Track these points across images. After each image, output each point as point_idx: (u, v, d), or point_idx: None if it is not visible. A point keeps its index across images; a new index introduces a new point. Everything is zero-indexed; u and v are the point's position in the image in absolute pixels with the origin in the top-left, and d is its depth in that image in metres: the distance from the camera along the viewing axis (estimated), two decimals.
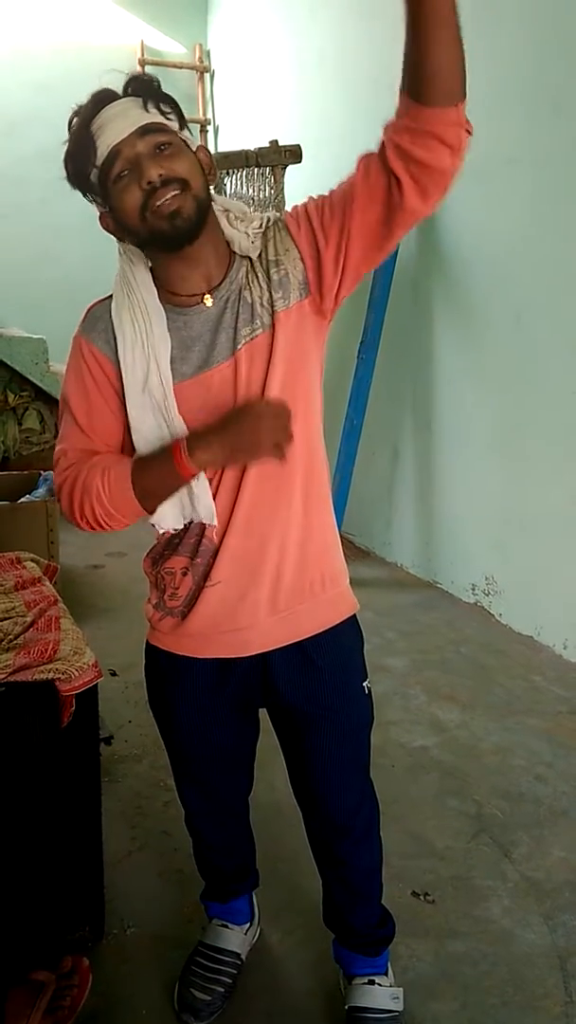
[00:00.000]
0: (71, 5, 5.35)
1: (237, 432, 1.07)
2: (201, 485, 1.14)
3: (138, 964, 1.54)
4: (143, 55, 5.49)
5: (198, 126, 5.66)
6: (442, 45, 0.93)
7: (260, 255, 1.14)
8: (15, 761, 1.37)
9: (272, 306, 1.12)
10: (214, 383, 1.13)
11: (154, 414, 1.14)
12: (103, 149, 1.05)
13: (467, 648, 2.95)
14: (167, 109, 1.08)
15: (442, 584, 3.56)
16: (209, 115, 5.77)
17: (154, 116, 1.06)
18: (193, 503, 1.16)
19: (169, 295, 1.16)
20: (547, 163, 2.78)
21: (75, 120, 1.07)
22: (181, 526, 1.19)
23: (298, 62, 4.51)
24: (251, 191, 3.73)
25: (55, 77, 5.22)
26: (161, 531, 1.22)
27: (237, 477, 1.15)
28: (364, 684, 1.30)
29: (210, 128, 5.75)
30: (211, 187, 1.13)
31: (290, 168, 3.75)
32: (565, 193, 2.72)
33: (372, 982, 1.39)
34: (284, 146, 3.69)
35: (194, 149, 1.11)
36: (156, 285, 1.16)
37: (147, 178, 1.04)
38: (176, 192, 1.05)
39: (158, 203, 1.04)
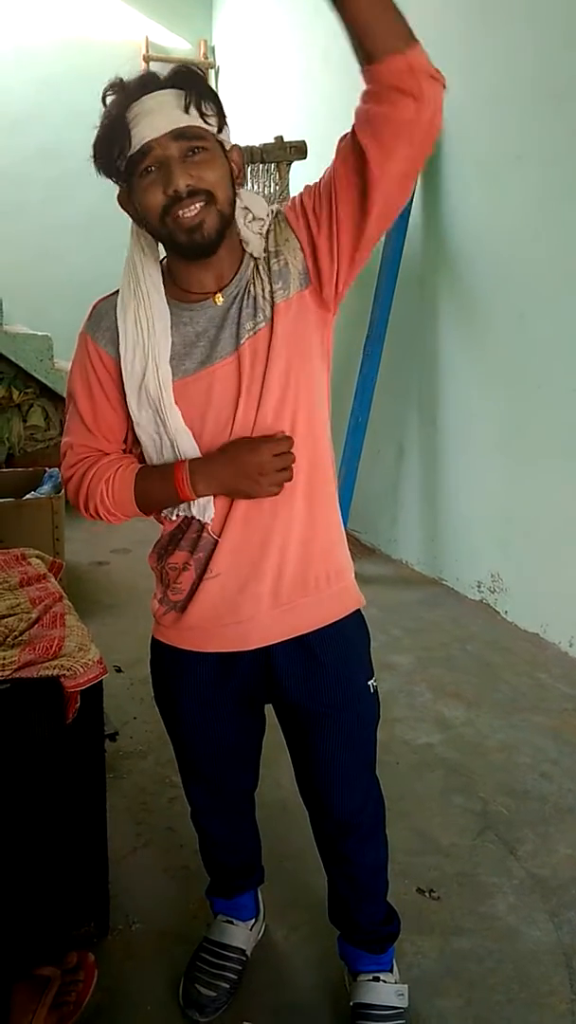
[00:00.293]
0: (75, 1, 5.34)
1: (241, 470, 1.11)
2: (202, 499, 1.17)
3: (143, 960, 1.54)
4: (148, 51, 5.48)
5: None
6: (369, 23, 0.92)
7: (266, 258, 1.13)
8: (20, 757, 1.37)
9: (272, 298, 1.12)
10: (217, 378, 1.13)
11: (151, 410, 1.16)
12: (136, 141, 1.03)
13: (472, 645, 2.94)
14: (209, 111, 1.05)
15: (447, 581, 3.55)
16: None
17: (193, 119, 1.04)
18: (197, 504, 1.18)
19: (179, 291, 1.16)
20: (553, 160, 2.77)
21: (113, 99, 1.04)
22: (175, 517, 1.21)
23: (303, 58, 4.50)
24: (256, 187, 3.73)
25: (58, 74, 5.21)
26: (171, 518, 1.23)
27: None
28: (370, 682, 1.29)
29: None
30: (239, 188, 1.12)
31: (295, 164, 3.74)
32: (571, 190, 2.70)
33: (377, 979, 1.39)
34: (289, 142, 3.69)
35: (228, 148, 1.10)
36: (166, 278, 1.16)
37: (174, 186, 1.03)
38: (201, 204, 1.04)
39: (180, 212, 1.04)
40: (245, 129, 5.25)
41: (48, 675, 1.34)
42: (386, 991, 1.38)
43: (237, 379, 1.13)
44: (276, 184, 3.71)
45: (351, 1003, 1.39)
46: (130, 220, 1.16)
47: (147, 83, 1.04)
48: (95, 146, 1.07)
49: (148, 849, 1.84)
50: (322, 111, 4.27)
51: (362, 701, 1.29)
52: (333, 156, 1.06)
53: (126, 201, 1.12)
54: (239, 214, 1.14)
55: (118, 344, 1.16)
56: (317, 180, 1.11)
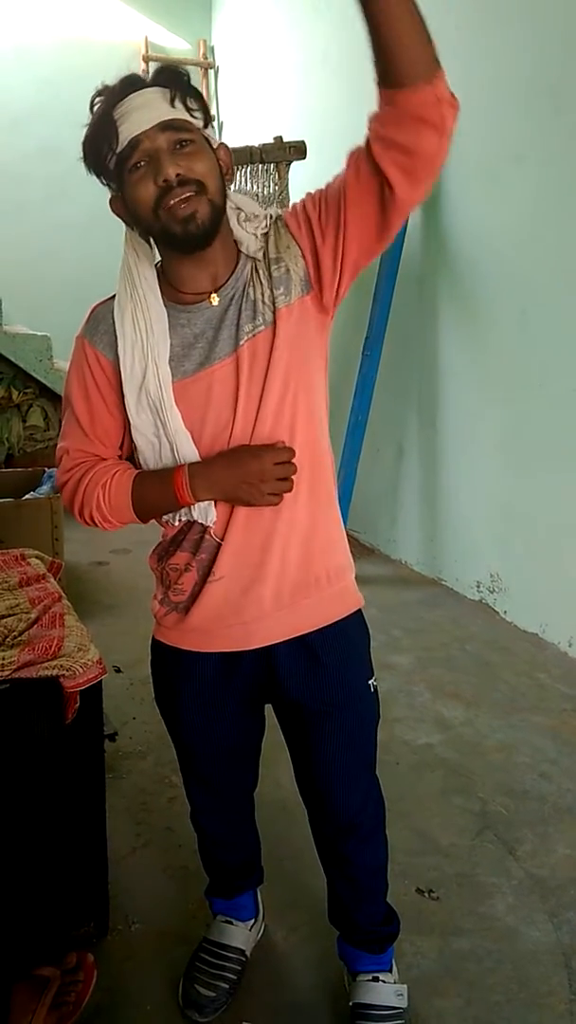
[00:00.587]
0: (75, 1, 5.34)
1: (241, 477, 1.11)
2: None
3: (143, 960, 1.54)
4: (147, 51, 5.48)
5: None
6: (397, 20, 0.89)
7: (263, 253, 1.14)
8: (20, 757, 1.37)
9: (274, 303, 1.12)
10: (216, 379, 1.13)
11: (150, 413, 1.15)
12: (124, 137, 1.05)
13: (472, 645, 2.94)
14: (193, 106, 1.07)
15: (447, 581, 3.55)
16: (213, 111, 5.76)
17: (179, 112, 1.06)
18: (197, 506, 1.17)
19: (174, 292, 1.16)
20: (552, 160, 2.77)
21: (99, 101, 1.06)
22: (177, 521, 1.21)
23: (303, 58, 4.50)
24: (255, 187, 3.73)
25: (58, 73, 5.21)
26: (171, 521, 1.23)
27: None
28: (370, 682, 1.30)
29: (214, 124, 5.74)
30: (228, 187, 1.13)
31: (295, 164, 3.74)
32: (570, 190, 2.70)
33: (376, 979, 1.39)
34: (288, 142, 3.69)
35: (215, 146, 1.11)
36: (161, 280, 1.17)
37: (164, 175, 1.03)
38: (191, 194, 1.04)
39: (172, 202, 1.04)
40: (244, 129, 5.26)
41: (47, 675, 1.34)
42: (385, 991, 1.38)
43: (235, 380, 1.13)
44: (275, 184, 3.71)
45: (350, 1003, 1.39)
46: (124, 231, 1.16)
47: (132, 83, 1.06)
48: (84, 146, 1.08)
49: (148, 849, 1.84)
50: (321, 111, 4.27)
51: (363, 700, 1.29)
52: (344, 169, 1.06)
53: (119, 207, 1.13)
54: (231, 214, 1.15)
55: (116, 348, 1.16)
56: (321, 189, 1.11)
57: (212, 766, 1.38)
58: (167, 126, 1.04)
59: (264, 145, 3.69)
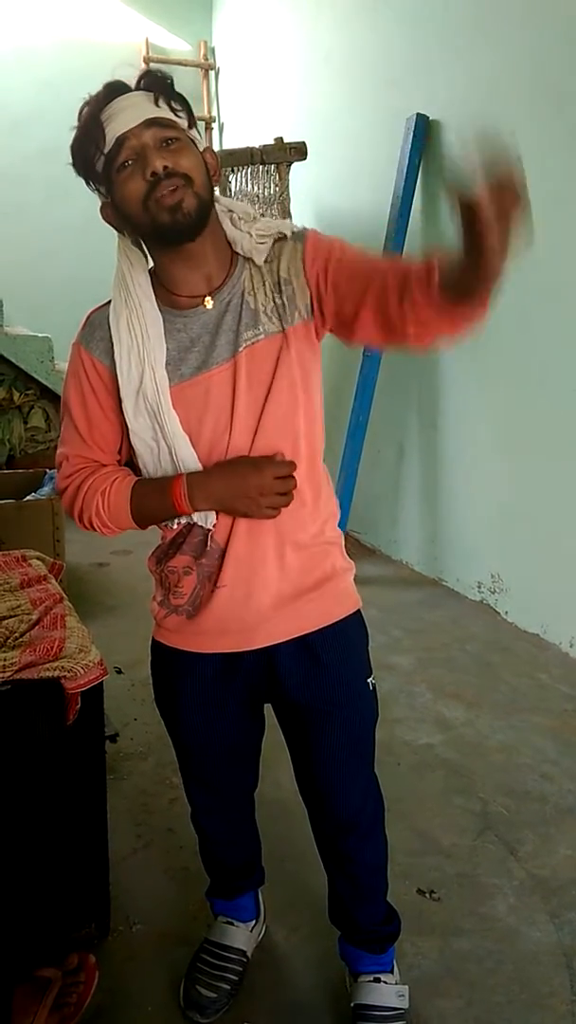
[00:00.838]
0: (75, 2, 5.34)
1: (240, 490, 1.12)
2: None
3: (144, 961, 1.54)
4: (148, 52, 5.49)
5: (203, 123, 5.66)
6: (498, 256, 0.90)
7: (270, 265, 1.14)
8: (21, 759, 1.38)
9: (280, 318, 1.13)
10: (213, 384, 1.14)
11: (148, 417, 1.16)
12: (111, 137, 1.06)
13: (473, 646, 2.94)
14: (177, 107, 1.09)
15: (448, 582, 3.55)
16: (214, 112, 5.76)
17: (163, 111, 1.07)
18: None
19: (169, 296, 1.16)
20: (552, 158, 2.77)
21: (85, 108, 1.08)
22: (176, 524, 1.22)
23: (303, 59, 4.50)
24: (256, 188, 3.73)
25: (58, 75, 5.21)
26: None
27: None
28: (369, 680, 1.30)
29: (215, 125, 5.75)
30: (215, 188, 1.14)
31: (295, 165, 3.74)
32: (571, 189, 2.71)
33: (378, 980, 1.39)
34: (289, 143, 3.69)
35: (200, 150, 1.12)
36: (156, 286, 1.17)
37: (151, 168, 1.04)
38: (179, 186, 1.05)
39: (160, 194, 1.05)
40: (245, 130, 5.26)
41: (49, 676, 1.34)
42: (387, 992, 1.38)
43: (232, 385, 1.13)
44: (276, 185, 3.72)
45: (352, 1004, 1.39)
46: (117, 240, 1.17)
47: (117, 88, 1.08)
48: (72, 149, 1.09)
49: (148, 850, 1.84)
50: (322, 112, 4.27)
51: (362, 699, 1.30)
52: (375, 264, 1.10)
53: (109, 214, 1.14)
54: (223, 216, 1.16)
55: (112, 354, 1.17)
56: (341, 250, 1.13)
57: (212, 766, 1.39)
58: (152, 123, 1.06)
59: (265, 146, 3.69)
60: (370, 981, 1.39)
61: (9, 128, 5.25)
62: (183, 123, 1.10)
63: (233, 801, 1.46)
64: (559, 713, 2.46)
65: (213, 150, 1.16)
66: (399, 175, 3.48)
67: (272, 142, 3.70)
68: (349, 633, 1.28)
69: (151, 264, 1.18)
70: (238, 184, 3.73)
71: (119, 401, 1.18)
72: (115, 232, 1.18)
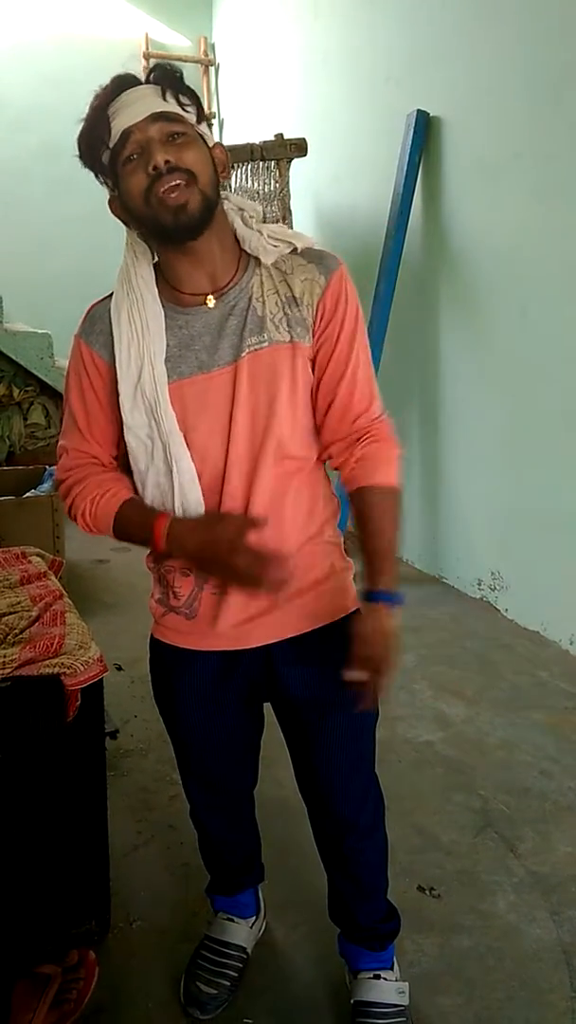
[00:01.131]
0: None
1: (213, 565, 1.13)
2: (191, 502, 1.16)
3: (144, 958, 1.54)
4: (148, 48, 5.48)
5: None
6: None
7: (283, 276, 1.14)
8: (21, 755, 1.38)
9: (289, 329, 1.13)
10: (212, 386, 1.13)
11: (145, 413, 1.15)
12: (116, 130, 1.05)
13: (473, 643, 2.94)
14: (186, 101, 1.08)
15: (448, 579, 3.55)
16: (214, 109, 5.76)
17: (171, 105, 1.06)
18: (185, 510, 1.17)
19: (172, 292, 1.16)
20: (552, 157, 2.76)
21: (94, 101, 1.07)
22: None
23: (303, 55, 4.49)
24: (256, 185, 3.72)
25: (59, 71, 5.21)
26: None
27: (243, 499, 1.16)
28: None
29: (215, 122, 5.74)
30: (222, 185, 1.13)
31: (295, 161, 3.73)
32: (570, 187, 2.70)
33: (378, 976, 1.39)
34: (289, 140, 3.68)
35: (210, 145, 1.11)
36: (160, 281, 1.16)
37: (153, 163, 1.04)
38: (181, 182, 1.04)
39: (162, 190, 1.04)
40: (245, 126, 5.25)
41: (49, 673, 1.34)
42: (387, 989, 1.38)
43: (232, 389, 1.13)
44: (276, 181, 3.71)
45: (352, 1001, 1.39)
46: (125, 233, 1.17)
47: (125, 81, 1.08)
48: (79, 141, 1.09)
49: (149, 847, 1.84)
50: (322, 108, 4.27)
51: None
52: (342, 388, 1.20)
53: (116, 207, 1.13)
54: (233, 214, 1.15)
55: (112, 348, 1.16)
56: (349, 335, 1.17)
57: (210, 763, 1.38)
58: (158, 117, 1.05)
59: (265, 142, 3.68)
60: (370, 978, 1.39)
61: (10, 124, 5.24)
62: (191, 118, 1.09)
63: (232, 798, 1.46)
64: (559, 710, 2.46)
65: (223, 145, 1.15)
66: (399, 171, 3.47)
67: (272, 138, 3.69)
68: (348, 631, 1.27)
69: (156, 259, 1.18)
70: (238, 181, 3.72)
71: (117, 396, 1.17)
72: (120, 225, 1.17)
